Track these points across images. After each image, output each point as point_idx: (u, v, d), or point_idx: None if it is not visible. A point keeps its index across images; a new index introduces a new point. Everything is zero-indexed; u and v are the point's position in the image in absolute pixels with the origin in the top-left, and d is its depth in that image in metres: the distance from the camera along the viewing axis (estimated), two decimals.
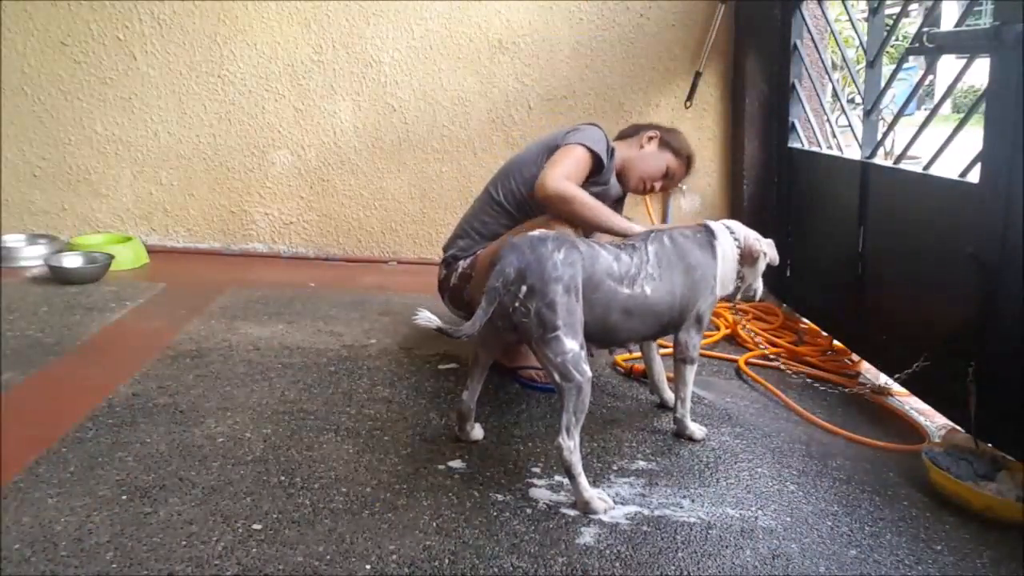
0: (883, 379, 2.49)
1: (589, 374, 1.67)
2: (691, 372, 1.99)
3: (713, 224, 2.03)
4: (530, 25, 3.66)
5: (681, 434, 2.02)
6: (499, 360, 2.27)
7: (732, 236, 2.03)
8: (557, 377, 1.65)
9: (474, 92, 3.73)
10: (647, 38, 3.65)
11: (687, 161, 2.46)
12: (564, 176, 2.12)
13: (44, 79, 3.69)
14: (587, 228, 2.15)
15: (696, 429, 2.02)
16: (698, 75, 3.58)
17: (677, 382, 2.01)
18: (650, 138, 2.43)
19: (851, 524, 1.66)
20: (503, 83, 3.71)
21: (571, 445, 1.63)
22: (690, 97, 3.62)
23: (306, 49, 3.69)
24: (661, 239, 1.93)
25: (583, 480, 1.65)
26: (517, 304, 1.66)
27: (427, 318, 1.65)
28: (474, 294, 1.87)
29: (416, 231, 3.86)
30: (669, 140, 2.43)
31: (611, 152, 2.33)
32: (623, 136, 2.49)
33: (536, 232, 1.76)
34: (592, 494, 1.65)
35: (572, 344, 1.65)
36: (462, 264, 2.37)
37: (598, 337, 1.81)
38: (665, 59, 3.66)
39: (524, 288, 1.65)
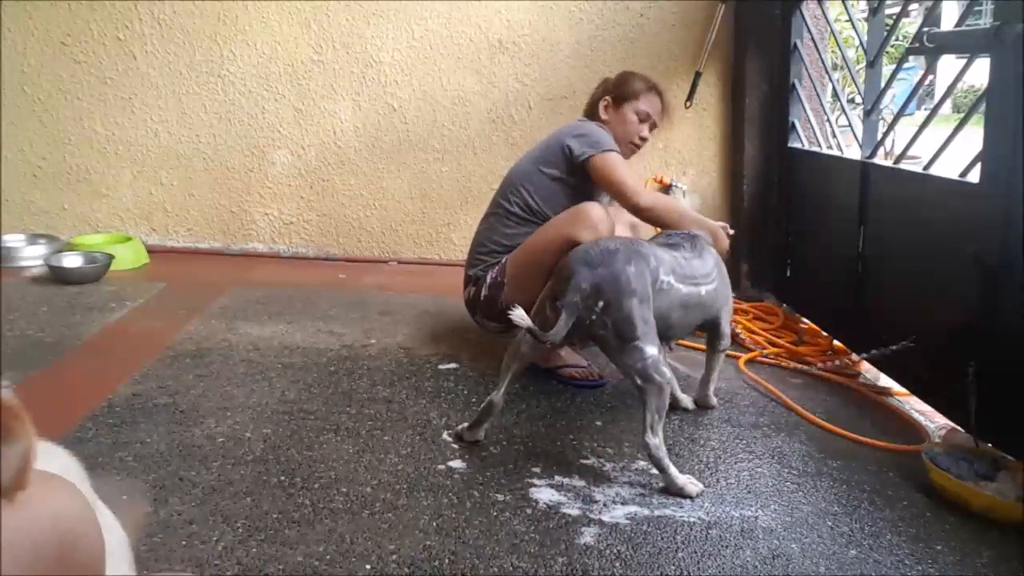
0: (883, 379, 2.50)
1: (668, 375, 1.78)
2: (723, 356, 2.20)
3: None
4: (530, 25, 3.66)
5: (703, 405, 2.21)
6: (535, 361, 2.30)
7: None
8: (639, 380, 1.73)
9: (474, 92, 3.73)
10: (647, 38, 3.65)
11: (652, 91, 2.43)
12: (641, 187, 2.27)
13: (44, 79, 3.69)
14: (665, 227, 2.26)
15: (714, 399, 2.23)
16: (698, 75, 3.58)
17: (713, 365, 2.19)
18: (604, 106, 2.43)
19: (851, 524, 1.66)
20: (503, 83, 3.71)
21: (656, 442, 1.72)
22: (690, 97, 3.62)
23: (306, 49, 3.70)
24: (712, 250, 2.11)
25: (673, 470, 1.74)
26: (594, 317, 1.74)
27: (520, 316, 1.69)
28: (512, 297, 1.91)
29: (416, 231, 3.86)
30: (619, 93, 2.43)
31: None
32: (589, 115, 2.49)
33: (606, 242, 1.84)
34: (684, 480, 1.74)
35: (652, 350, 1.73)
36: (490, 275, 2.34)
37: (659, 334, 1.86)
38: (665, 59, 3.66)
39: (601, 303, 1.73)
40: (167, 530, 1.49)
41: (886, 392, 2.43)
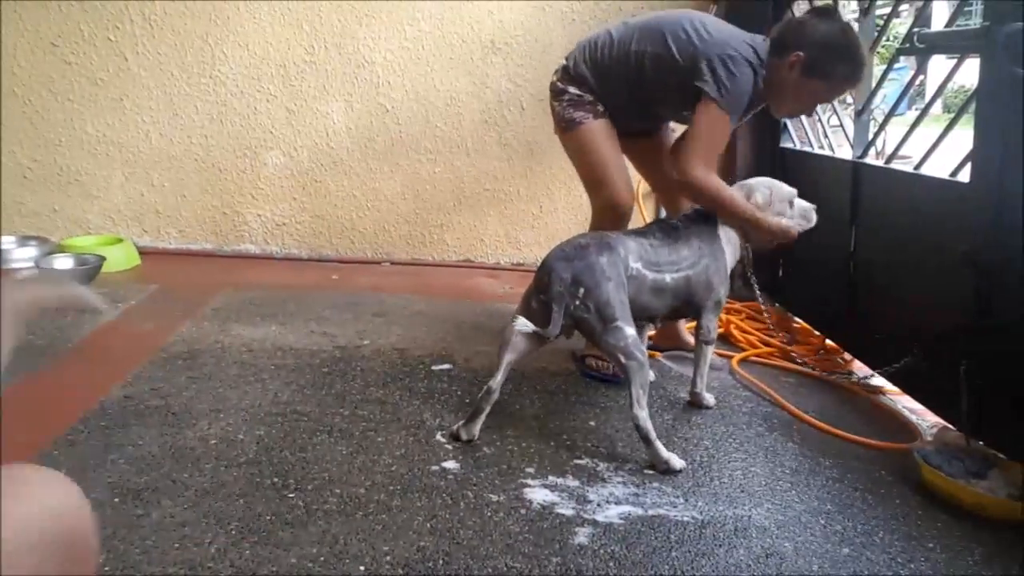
0: (875, 377, 2.51)
1: (646, 352, 1.93)
2: (710, 351, 2.23)
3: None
4: (523, 25, 3.66)
5: (698, 404, 2.24)
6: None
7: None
8: (622, 359, 1.87)
9: (467, 93, 3.73)
10: None
11: (859, 80, 2.17)
12: (705, 164, 2.14)
13: (34, 80, 3.67)
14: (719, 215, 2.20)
15: (710, 398, 2.25)
16: None
17: (698, 361, 2.22)
18: (791, 64, 2.10)
19: (844, 522, 1.67)
20: (496, 83, 3.72)
21: (643, 415, 1.84)
22: None
23: (298, 50, 3.69)
24: (691, 241, 2.13)
25: (659, 444, 1.85)
26: (577, 303, 1.88)
27: (523, 324, 1.89)
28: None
29: (409, 232, 3.85)
30: (815, 64, 2.08)
31: (757, 79, 2.15)
32: (776, 46, 2.16)
33: (577, 240, 2.00)
34: (669, 455, 1.85)
35: (630, 330, 1.89)
36: (574, 110, 2.34)
37: (633, 314, 1.96)
38: None
39: (582, 290, 1.88)
40: (160, 532, 1.48)
41: (878, 391, 2.44)
